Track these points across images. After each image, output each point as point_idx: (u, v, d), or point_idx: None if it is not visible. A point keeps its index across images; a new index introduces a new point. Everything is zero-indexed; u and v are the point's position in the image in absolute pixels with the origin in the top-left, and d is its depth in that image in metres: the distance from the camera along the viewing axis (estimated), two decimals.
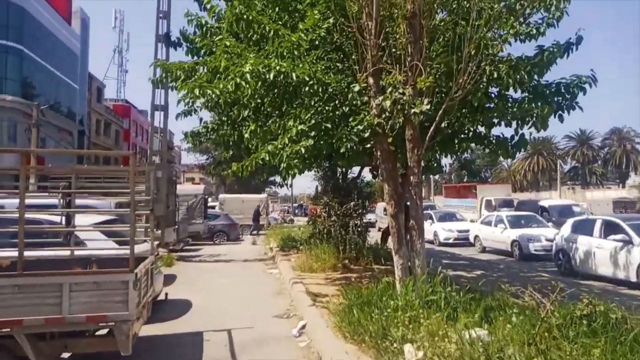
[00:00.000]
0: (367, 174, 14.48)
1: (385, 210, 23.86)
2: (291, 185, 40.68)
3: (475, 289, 6.95)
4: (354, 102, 7.45)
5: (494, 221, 17.72)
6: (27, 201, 9.28)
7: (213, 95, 7.75)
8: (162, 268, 12.63)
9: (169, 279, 11.23)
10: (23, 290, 4.89)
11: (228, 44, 8.82)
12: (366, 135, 6.85)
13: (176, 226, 16.29)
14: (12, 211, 7.00)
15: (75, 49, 40.32)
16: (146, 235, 7.71)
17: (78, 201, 9.68)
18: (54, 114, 35.43)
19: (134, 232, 5.39)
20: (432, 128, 6.45)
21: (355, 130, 7.24)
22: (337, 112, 7.92)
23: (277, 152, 7.75)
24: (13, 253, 7.31)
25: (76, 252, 6.79)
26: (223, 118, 13.86)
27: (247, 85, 7.62)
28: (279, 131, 7.99)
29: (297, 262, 11.89)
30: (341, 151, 7.57)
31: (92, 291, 5.07)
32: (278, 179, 46.44)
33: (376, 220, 26.08)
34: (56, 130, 36.82)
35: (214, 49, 9.19)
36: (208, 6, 10.71)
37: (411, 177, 6.66)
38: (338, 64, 8.25)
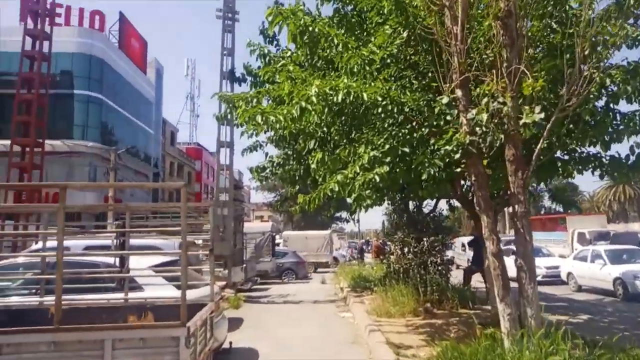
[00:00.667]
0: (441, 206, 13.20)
1: (464, 246, 22.20)
2: (358, 221, 39.13)
3: (601, 343, 5.50)
4: (437, 121, 6.39)
5: (590, 256, 15.60)
6: (86, 242, 8.85)
7: (276, 124, 6.96)
8: (228, 311, 11.84)
9: (235, 323, 10.37)
10: (59, 348, 4.12)
11: (291, 69, 8.10)
12: (456, 156, 5.72)
13: (244, 265, 15.61)
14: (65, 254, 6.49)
15: (150, 97, 42.08)
16: (197, 279, 6.92)
17: (141, 241, 9.15)
18: (130, 158, 36.71)
19: (185, 278, 4.52)
20: (539, 145, 5.24)
21: (439, 153, 6.17)
22: (415, 135, 6.88)
23: (348, 182, 6.77)
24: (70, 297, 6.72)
25: (131, 298, 6.07)
26: (288, 152, 13.19)
27: (313, 110, 6.78)
28: (349, 158, 7.02)
29: (371, 305, 10.67)
30: (422, 178, 6.47)
31: (138, 349, 4.23)
32: (344, 214, 45.44)
33: (453, 257, 24.22)
34: (133, 172, 38.13)
35: (277, 77, 8.54)
36: (270, 32, 10.16)
37: (516, 206, 5.42)
38: (414, 82, 7.25)
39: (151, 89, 42.33)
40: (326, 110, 7.26)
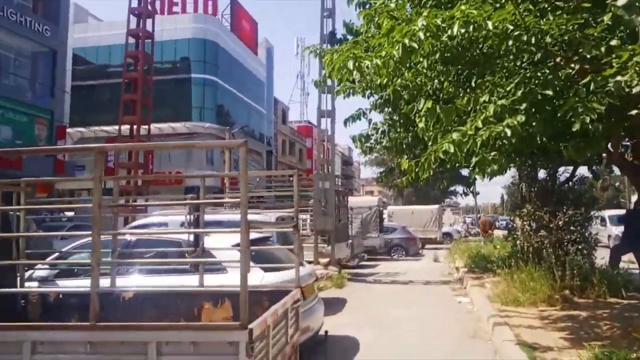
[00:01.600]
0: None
1: (604, 220, 18.82)
2: (477, 194, 35.74)
3: None
4: (595, 51, 4.51)
5: None
6: (165, 218, 8.13)
7: (372, 72, 5.50)
8: (330, 290, 10.76)
9: (337, 305, 9.24)
10: (97, 349, 3.17)
11: (393, 5, 6.54)
12: (636, 90, 3.83)
13: (349, 241, 14.47)
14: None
15: (261, 77, 42.43)
16: (291, 259, 5.78)
17: (224, 216, 8.27)
18: (245, 137, 37.39)
19: (247, 263, 3.31)
20: None
21: (598, 93, 4.33)
22: (560, 74, 5.03)
23: (466, 140, 5.15)
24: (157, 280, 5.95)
25: (206, 283, 5.10)
26: (394, 117, 11.64)
27: (420, 51, 5.22)
28: (469, 107, 5.37)
29: (494, 290, 8.89)
30: (572, 130, 4.64)
31: (188, 355, 3.15)
32: (460, 188, 42.44)
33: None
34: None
35: (377, 19, 7.05)
36: None
37: None
38: (557, 2, 5.32)
39: (262, 69, 42.64)
40: (437, 52, 5.67)
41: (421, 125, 6.22)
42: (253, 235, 6.51)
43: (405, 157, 13.06)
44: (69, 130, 34.11)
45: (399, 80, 7.70)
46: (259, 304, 4.98)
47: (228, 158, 31.51)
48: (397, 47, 4.98)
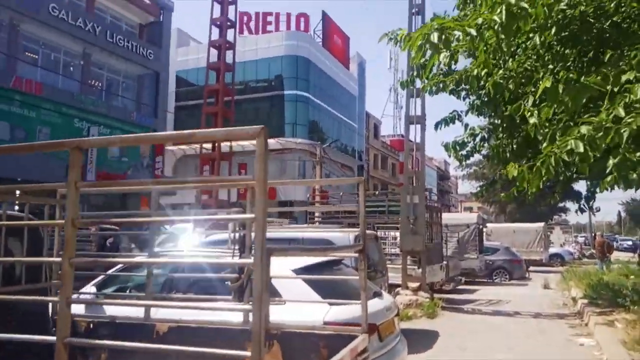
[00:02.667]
0: None
1: None
2: (597, 210, 31.44)
3: None
4: None
5: None
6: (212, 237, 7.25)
7: (464, 46, 4.22)
8: (420, 320, 9.31)
9: (427, 339, 7.81)
10: None
11: None
12: None
13: (444, 262, 12.86)
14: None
15: (353, 91, 41.76)
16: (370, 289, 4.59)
17: (285, 233, 7.30)
18: (336, 152, 36.76)
19: (260, 292, 2.21)
20: None
21: None
22: None
23: (602, 134, 3.66)
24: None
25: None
26: (495, 121, 10.02)
27: (531, 15, 3.84)
28: (607, 87, 3.86)
29: (630, 333, 6.94)
30: None
31: None
32: (569, 204, 38.07)
33: None
34: (339, 166, 38.22)
35: None
36: None
37: None
38: None
39: (354, 84, 41.97)
40: (553, 27, 4.25)
41: (533, 120, 4.78)
42: (314, 259, 5.43)
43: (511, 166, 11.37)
44: (172, 148, 35.85)
45: (501, 71, 6.28)
46: (315, 352, 3.89)
47: (319, 171, 31.02)
48: (498, 10, 3.65)
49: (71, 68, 25.09)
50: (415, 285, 10.28)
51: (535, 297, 13.09)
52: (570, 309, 10.83)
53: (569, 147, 3.74)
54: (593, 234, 32.70)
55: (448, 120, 9.58)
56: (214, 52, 27.54)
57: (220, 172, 28.28)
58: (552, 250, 27.66)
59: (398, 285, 10.70)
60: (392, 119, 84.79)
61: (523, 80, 5.62)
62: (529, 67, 5.33)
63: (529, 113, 4.89)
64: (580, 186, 34.28)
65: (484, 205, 51.38)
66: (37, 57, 22.97)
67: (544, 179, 4.34)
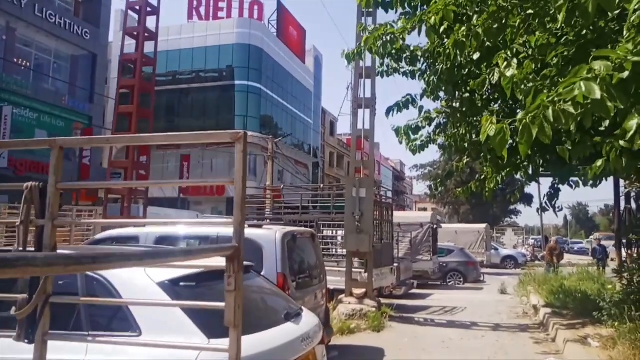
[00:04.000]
0: None
1: None
2: (559, 209, 31.06)
3: None
4: None
5: None
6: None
7: None
8: (364, 334, 7.88)
9: (372, 357, 6.39)
10: None
11: None
12: None
13: (395, 265, 11.56)
14: None
15: (309, 86, 40.30)
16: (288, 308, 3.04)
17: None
18: (290, 148, 35.18)
19: None
20: None
21: None
22: None
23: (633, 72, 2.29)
24: None
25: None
26: (455, 104, 8.73)
27: None
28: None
29: (608, 352, 5.75)
30: None
31: None
32: (522, 208, 37.82)
33: None
34: (292, 162, 36.65)
35: None
36: None
37: None
38: None
39: (310, 78, 40.52)
40: None
41: (510, 72, 3.37)
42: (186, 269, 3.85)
43: (467, 160, 10.12)
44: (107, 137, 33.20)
45: (464, 28, 4.93)
46: None
47: (271, 167, 29.37)
48: None
49: None
50: (360, 291, 8.86)
51: (492, 303, 11.97)
52: (532, 319, 9.68)
53: (576, 93, 2.37)
54: (545, 236, 32.61)
55: (401, 105, 8.23)
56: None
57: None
58: (505, 252, 27.12)
59: (341, 292, 9.27)
60: (350, 118, 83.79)
61: (496, 28, 4.23)
62: (504, 4, 3.97)
63: (505, 63, 3.52)
64: (532, 189, 34.11)
65: (438, 207, 51.15)
66: None
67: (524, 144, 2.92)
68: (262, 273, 5.51)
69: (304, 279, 6.18)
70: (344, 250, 9.86)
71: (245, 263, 4.02)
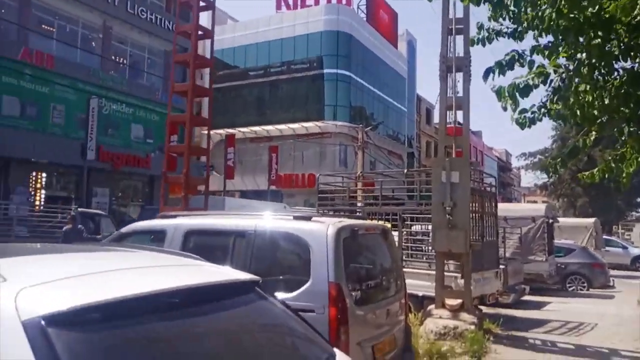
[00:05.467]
0: None
1: None
2: None
3: None
4: None
5: None
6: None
7: None
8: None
9: None
10: None
11: None
12: None
13: (501, 267, 9.37)
14: None
15: (402, 72, 37.95)
16: None
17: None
18: (382, 138, 33.31)
19: None
20: None
21: None
22: None
23: None
24: None
25: None
26: (581, 55, 6.40)
27: None
28: None
29: None
30: None
31: None
32: None
33: None
34: (385, 153, 34.71)
35: None
36: None
37: None
38: None
39: (403, 64, 38.15)
40: None
41: None
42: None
43: (594, 132, 7.66)
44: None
45: None
46: None
47: (361, 158, 27.76)
48: None
49: (93, 43, 23.24)
50: (455, 302, 6.93)
51: (631, 320, 9.29)
52: None
53: None
54: None
55: (504, 65, 6.07)
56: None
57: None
58: (637, 251, 22.92)
59: (430, 299, 7.40)
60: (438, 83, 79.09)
61: None
62: None
63: None
64: None
65: (549, 199, 46.03)
66: (53, 29, 21.17)
67: None
68: (309, 283, 3.95)
69: (370, 290, 4.50)
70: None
71: (238, 276, 2.47)
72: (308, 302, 3.87)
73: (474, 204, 7.68)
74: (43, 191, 21.17)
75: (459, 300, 6.93)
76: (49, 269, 1.94)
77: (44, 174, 20.89)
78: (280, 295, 3.90)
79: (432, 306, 7.18)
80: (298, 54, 31.70)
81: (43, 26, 20.78)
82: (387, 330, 4.52)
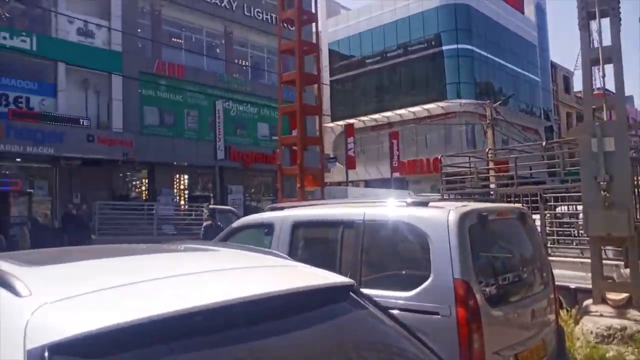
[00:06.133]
0: None
1: None
2: None
3: None
4: None
5: None
6: None
7: None
8: None
9: None
10: None
11: None
12: None
13: None
14: None
15: (531, 39, 34.36)
16: None
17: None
18: (514, 112, 30.55)
19: None
20: None
21: None
22: None
23: None
24: None
25: None
26: None
27: None
28: None
29: None
30: None
31: None
32: None
33: None
34: (519, 129, 31.77)
35: None
36: None
37: None
38: None
39: (532, 30, 34.51)
40: None
41: None
42: None
43: None
44: (331, 125, 34.04)
45: None
46: None
47: (491, 136, 25.70)
48: None
49: (217, 50, 24.60)
50: (620, 297, 5.67)
51: None
52: None
53: None
54: None
55: None
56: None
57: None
58: None
59: (589, 292, 6.18)
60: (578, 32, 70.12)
61: None
62: None
63: None
64: None
65: None
66: (181, 40, 22.82)
67: None
68: (430, 280, 3.32)
69: (509, 286, 3.71)
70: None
71: (331, 280, 1.97)
72: (430, 302, 3.26)
73: (636, 177, 6.25)
74: (186, 191, 22.98)
75: (625, 294, 5.66)
76: (93, 277, 1.61)
77: (185, 176, 22.66)
78: (397, 293, 3.33)
79: (589, 301, 5.98)
80: (414, 34, 30.35)
81: (172, 39, 22.46)
82: (534, 334, 3.70)
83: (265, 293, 1.51)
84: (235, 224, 5.09)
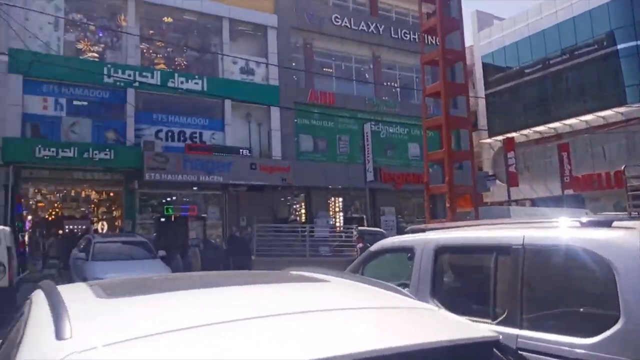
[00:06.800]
0: None
1: None
2: None
3: None
4: None
5: None
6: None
7: None
8: None
9: None
10: None
11: None
12: None
13: None
14: None
15: None
16: None
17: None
18: None
19: None
20: None
21: None
22: None
23: None
24: None
25: None
26: None
27: None
28: None
29: None
30: None
31: None
32: None
33: None
34: None
35: None
36: None
37: None
38: None
39: None
40: None
41: None
42: None
43: None
44: (488, 140, 31.87)
45: None
46: None
47: None
48: None
49: (366, 75, 24.89)
50: None
51: None
52: None
53: None
54: None
55: None
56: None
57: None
58: None
59: None
60: None
61: None
62: None
63: None
64: None
65: None
66: (331, 70, 23.60)
67: None
68: (620, 324, 2.46)
69: None
70: None
71: (476, 334, 1.41)
72: (624, 354, 2.42)
73: None
74: (341, 213, 23.34)
75: None
76: (163, 314, 1.33)
77: (339, 199, 23.06)
78: (573, 340, 2.54)
79: None
80: (580, 36, 26.96)
81: (324, 69, 23.35)
82: None
83: (390, 348, 1.08)
84: (373, 248, 4.66)
